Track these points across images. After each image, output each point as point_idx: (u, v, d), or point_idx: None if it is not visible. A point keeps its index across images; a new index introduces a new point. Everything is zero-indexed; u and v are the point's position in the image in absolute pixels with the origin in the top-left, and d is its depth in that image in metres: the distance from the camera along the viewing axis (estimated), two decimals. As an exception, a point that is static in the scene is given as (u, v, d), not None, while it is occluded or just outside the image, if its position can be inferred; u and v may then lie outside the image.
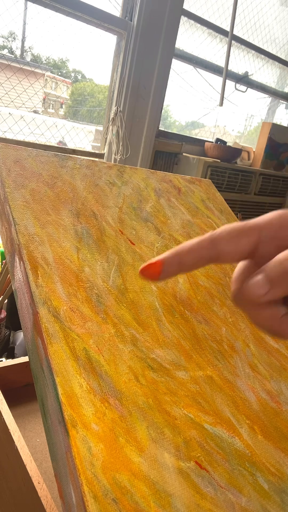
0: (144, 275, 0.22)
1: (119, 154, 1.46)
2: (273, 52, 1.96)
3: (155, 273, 0.21)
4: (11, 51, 1.29)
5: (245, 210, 1.83)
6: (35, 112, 1.36)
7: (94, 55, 1.43)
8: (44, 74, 1.39)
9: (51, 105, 1.50)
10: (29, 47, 1.31)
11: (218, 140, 1.76)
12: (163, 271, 0.21)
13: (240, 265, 0.23)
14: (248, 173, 1.76)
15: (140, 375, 0.26)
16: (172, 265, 0.21)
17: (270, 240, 0.21)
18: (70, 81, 1.50)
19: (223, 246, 0.21)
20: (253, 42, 1.84)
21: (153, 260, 0.21)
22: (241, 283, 0.22)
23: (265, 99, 2.10)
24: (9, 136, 1.30)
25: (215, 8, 1.65)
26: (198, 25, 1.63)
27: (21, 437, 0.35)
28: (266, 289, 0.19)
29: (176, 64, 1.61)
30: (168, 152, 1.67)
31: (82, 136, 1.49)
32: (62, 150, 1.42)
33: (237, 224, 0.21)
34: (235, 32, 1.67)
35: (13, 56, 1.29)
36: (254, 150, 1.91)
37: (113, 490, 0.20)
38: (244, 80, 1.88)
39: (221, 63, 1.74)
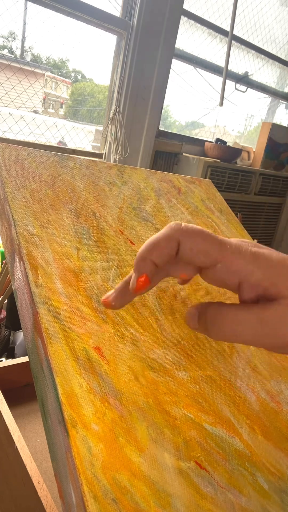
0: (140, 292, 0.24)
1: (118, 154, 1.46)
2: (273, 52, 1.96)
3: (146, 284, 0.23)
4: (11, 51, 1.29)
5: (245, 210, 1.83)
6: (35, 112, 1.36)
7: (94, 55, 1.43)
8: (44, 74, 1.39)
9: (51, 105, 1.50)
10: (29, 47, 1.31)
11: (218, 140, 1.76)
12: (150, 279, 0.23)
13: None
14: (248, 173, 1.76)
15: (140, 375, 0.26)
16: (152, 271, 0.23)
17: None
18: (70, 81, 1.50)
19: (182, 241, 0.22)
20: (253, 42, 1.84)
21: (135, 277, 0.24)
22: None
23: (265, 99, 2.10)
24: (9, 136, 1.30)
25: (215, 8, 1.65)
26: (198, 25, 1.63)
27: (21, 437, 0.35)
28: None
29: (176, 64, 1.61)
30: (168, 152, 1.67)
31: (82, 136, 1.49)
32: (62, 150, 1.42)
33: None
34: (235, 32, 1.67)
35: (13, 56, 1.29)
36: (254, 150, 1.91)
37: (113, 490, 0.20)
38: (244, 80, 1.88)
39: (221, 63, 1.74)
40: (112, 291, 0.26)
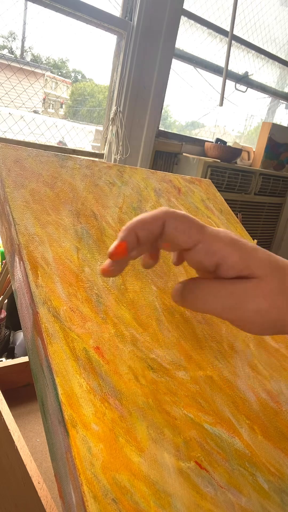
0: (116, 258, 0.24)
1: (119, 154, 1.46)
2: (273, 52, 1.96)
3: (123, 251, 0.24)
4: (11, 51, 1.29)
5: (245, 210, 1.83)
6: (35, 112, 1.36)
7: (94, 55, 1.43)
8: (44, 74, 1.39)
9: (51, 105, 1.50)
10: (29, 47, 1.31)
11: (218, 140, 1.75)
12: (128, 248, 0.24)
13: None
14: (248, 173, 1.76)
15: (140, 375, 0.26)
16: (133, 242, 0.24)
17: None
18: (70, 81, 1.50)
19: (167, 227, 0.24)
20: (253, 42, 1.84)
21: (116, 243, 0.25)
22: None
23: (265, 99, 2.10)
24: (9, 136, 1.30)
25: (215, 8, 1.65)
26: (198, 25, 1.63)
27: (21, 437, 0.35)
28: None
29: (176, 64, 1.61)
30: (168, 152, 1.67)
31: (82, 136, 1.49)
32: (62, 150, 1.41)
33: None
34: (235, 32, 1.67)
35: (13, 56, 1.29)
36: (254, 150, 1.91)
37: (113, 490, 0.20)
38: (244, 80, 1.88)
39: (221, 63, 1.74)
40: (108, 260, 0.26)
